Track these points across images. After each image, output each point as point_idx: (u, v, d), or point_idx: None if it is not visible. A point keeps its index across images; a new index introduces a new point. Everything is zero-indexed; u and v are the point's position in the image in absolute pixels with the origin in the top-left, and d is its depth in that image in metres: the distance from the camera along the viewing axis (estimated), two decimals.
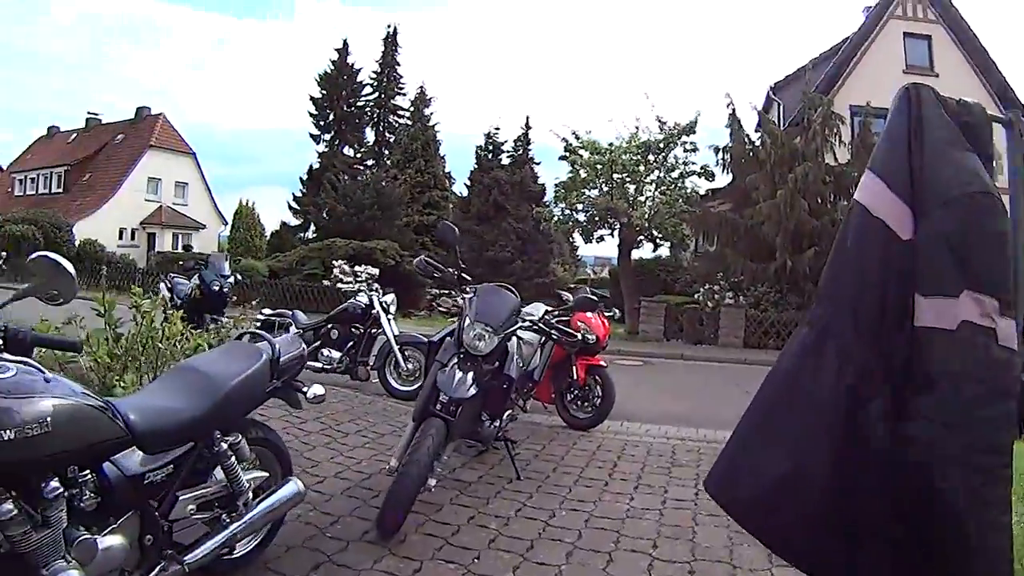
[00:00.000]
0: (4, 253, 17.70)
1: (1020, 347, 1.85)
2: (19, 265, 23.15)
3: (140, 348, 4.45)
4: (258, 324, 8.56)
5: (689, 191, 21.10)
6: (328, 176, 35.61)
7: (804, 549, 2.04)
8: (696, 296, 20.45)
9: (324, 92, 40.65)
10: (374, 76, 41.99)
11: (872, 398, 1.89)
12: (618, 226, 20.86)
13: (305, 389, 3.38)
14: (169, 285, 10.62)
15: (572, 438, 6.35)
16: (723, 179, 21.51)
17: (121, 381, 3.83)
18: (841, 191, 19.00)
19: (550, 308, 6.01)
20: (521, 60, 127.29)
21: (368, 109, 42.31)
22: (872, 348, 1.90)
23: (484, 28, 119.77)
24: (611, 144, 20.58)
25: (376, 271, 22.58)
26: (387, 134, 42.14)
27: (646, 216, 20.32)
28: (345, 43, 41.37)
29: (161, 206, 39.37)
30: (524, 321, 4.87)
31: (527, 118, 37.98)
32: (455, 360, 4.26)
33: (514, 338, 4.70)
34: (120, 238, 36.69)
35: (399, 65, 42.43)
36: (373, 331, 8.07)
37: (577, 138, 20.92)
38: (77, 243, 31.07)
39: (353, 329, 8.11)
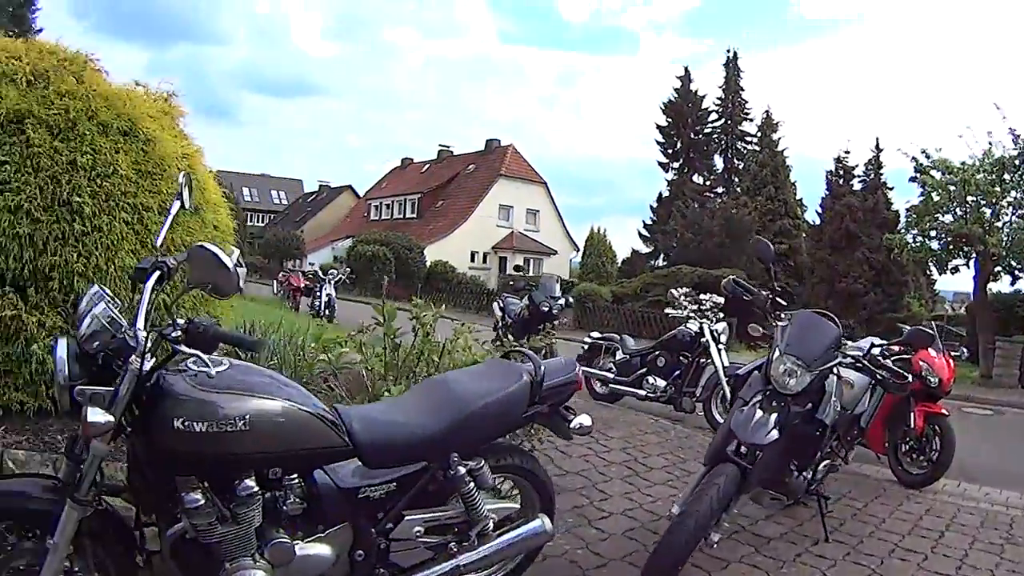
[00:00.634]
0: (348, 268, 20.81)
1: None
2: (367, 280, 26.39)
3: (416, 359, 4.34)
4: (585, 347, 8.70)
5: None
6: (677, 204, 35.50)
7: None
8: None
9: (669, 120, 40.83)
10: (718, 102, 41.33)
11: None
12: (973, 255, 17.82)
13: (571, 417, 2.98)
14: (501, 305, 11.06)
15: (899, 497, 5.34)
16: None
17: (390, 391, 3.73)
18: None
19: (881, 342, 5.00)
20: (865, 78, 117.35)
21: (715, 136, 41.70)
22: None
23: (822, 48, 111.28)
24: (963, 163, 17.73)
25: (721, 300, 21.45)
26: (735, 160, 41.09)
27: (1004, 243, 17.06)
28: (687, 70, 41.39)
29: (512, 232, 41.39)
30: (846, 357, 4.01)
31: (877, 140, 33.95)
32: (758, 398, 3.62)
33: (833, 376, 3.90)
34: (472, 261, 39.26)
35: (742, 90, 41.31)
36: (702, 361, 7.53)
37: (927, 157, 18.31)
38: (428, 263, 33.81)
39: (681, 357, 7.62)
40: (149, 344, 2.15)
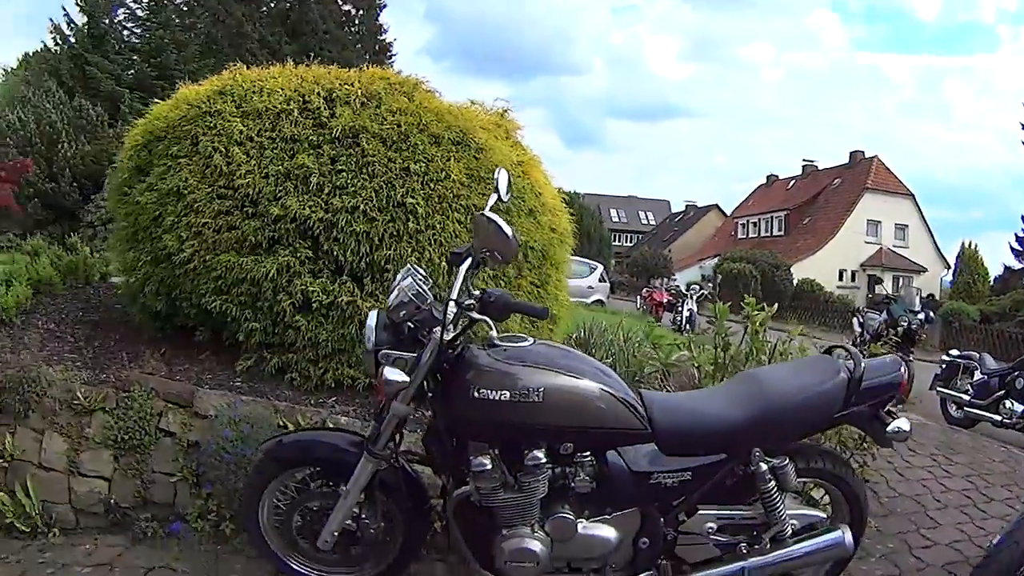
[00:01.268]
0: (711, 284, 20.55)
1: None
2: (731, 299, 25.61)
3: (745, 358, 4.22)
4: (943, 366, 8.14)
5: None
6: None
7: None
8: None
9: None
10: None
11: None
12: None
13: (888, 421, 2.65)
14: (861, 320, 11.00)
15: None
16: None
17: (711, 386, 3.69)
18: None
19: None
20: None
21: None
22: None
23: None
24: None
25: None
26: None
27: None
28: None
29: (881, 248, 38.61)
30: None
31: None
32: None
33: None
34: (840, 279, 37.13)
35: None
36: None
37: None
38: (795, 282, 32.56)
39: None
40: (451, 316, 2.34)
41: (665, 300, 20.16)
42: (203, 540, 3.17)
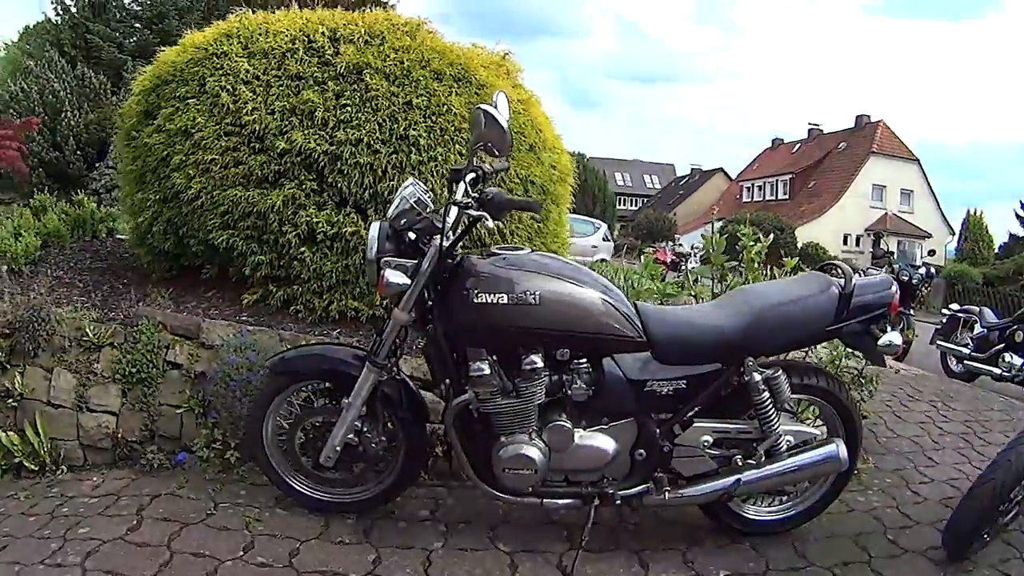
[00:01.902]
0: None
1: None
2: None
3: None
4: (943, 320, 8.15)
5: None
6: None
7: None
8: None
9: None
10: None
11: None
12: None
13: (879, 335, 2.70)
14: (862, 275, 10.74)
15: None
16: None
17: None
18: None
19: None
20: None
21: None
22: None
23: None
24: None
25: None
26: None
27: None
28: None
29: (886, 213, 38.46)
30: None
31: None
32: None
33: None
34: (844, 243, 36.96)
35: None
36: None
37: None
38: (799, 245, 32.22)
39: None
40: (452, 221, 2.39)
41: (669, 259, 20.22)
42: (208, 469, 3.22)
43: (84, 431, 3.40)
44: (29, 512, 2.83)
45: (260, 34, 3.74)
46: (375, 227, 2.50)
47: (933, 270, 10.99)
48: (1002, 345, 6.89)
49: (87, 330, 3.50)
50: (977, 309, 7.83)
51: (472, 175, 2.48)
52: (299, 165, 3.53)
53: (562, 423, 2.49)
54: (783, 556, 2.77)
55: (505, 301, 2.36)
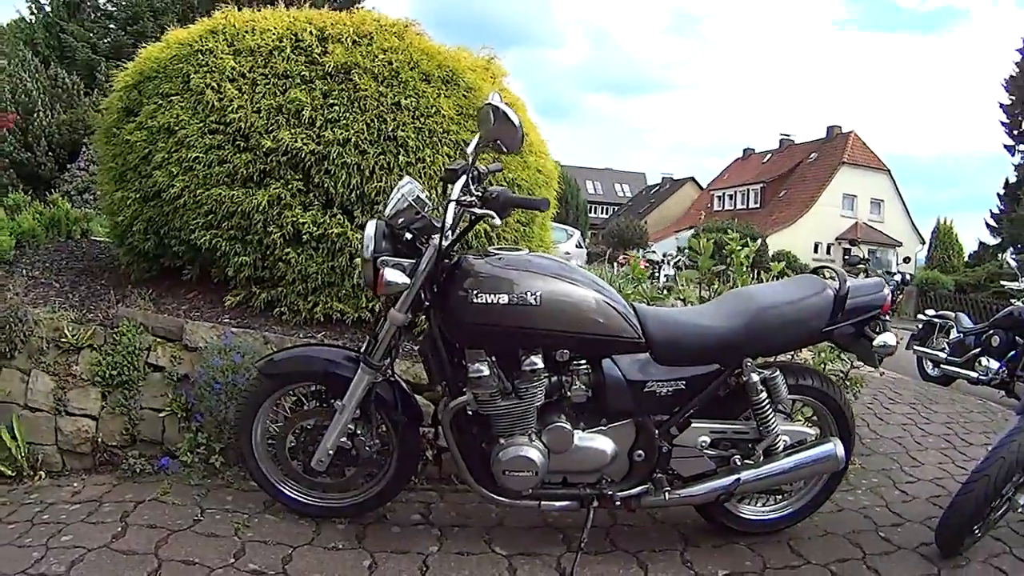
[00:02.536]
0: (684, 251, 20.69)
1: None
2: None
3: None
4: (919, 326, 8.27)
5: None
6: None
7: None
8: None
9: (1013, 98, 34.50)
10: None
11: None
12: None
13: (874, 336, 2.72)
14: None
15: None
16: None
17: None
18: None
19: None
20: None
21: None
22: None
23: None
24: None
25: None
26: None
27: None
28: None
29: (857, 222, 38.99)
30: None
31: None
32: None
33: None
34: (815, 251, 37.37)
35: None
36: None
37: None
38: (771, 253, 32.62)
39: (1018, 338, 6.72)
40: (451, 220, 2.36)
41: (643, 266, 20.29)
42: (192, 474, 3.14)
43: (63, 435, 3.30)
44: (7, 520, 2.73)
45: (246, 31, 3.68)
46: (371, 225, 2.45)
47: (908, 277, 11.16)
48: (978, 349, 6.98)
49: (66, 331, 3.41)
50: (953, 315, 7.94)
51: (465, 177, 2.44)
52: (285, 164, 3.48)
53: (562, 424, 2.46)
54: (780, 555, 2.77)
55: (505, 301, 2.33)
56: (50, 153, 11.96)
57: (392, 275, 2.32)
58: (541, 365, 2.40)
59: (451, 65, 3.78)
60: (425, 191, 2.55)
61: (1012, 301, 7.64)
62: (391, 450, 2.77)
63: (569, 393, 2.48)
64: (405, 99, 3.56)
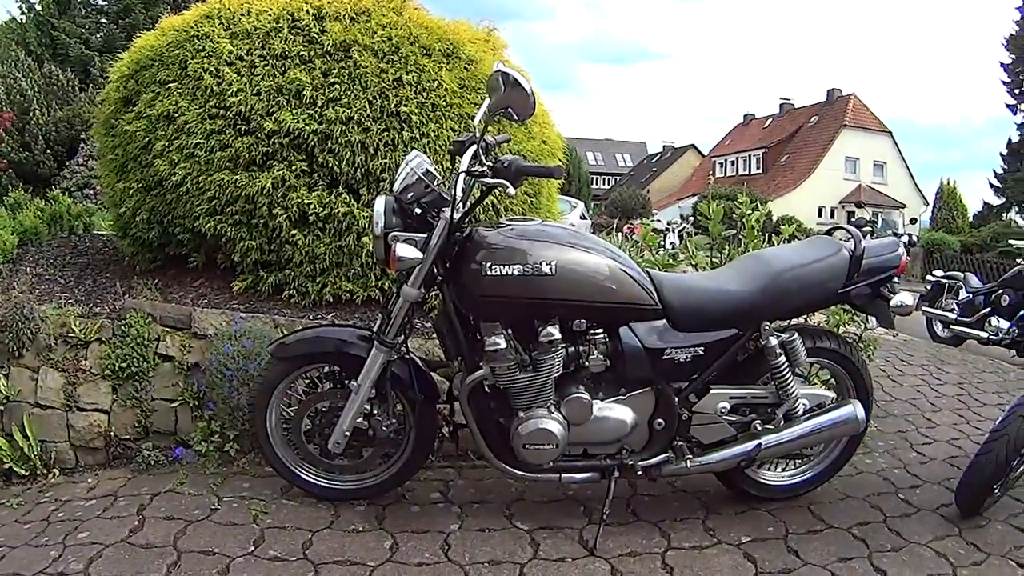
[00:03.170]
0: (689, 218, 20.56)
1: None
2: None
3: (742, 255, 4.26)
4: (928, 287, 8.22)
5: None
6: None
7: None
8: None
9: (1014, 56, 34.17)
10: None
11: None
12: None
13: (890, 296, 2.70)
14: None
15: None
16: None
17: None
18: None
19: None
20: None
21: None
22: None
23: None
24: None
25: None
26: None
27: None
28: None
29: (860, 185, 38.82)
30: None
31: None
32: None
33: None
34: (819, 216, 36.95)
35: None
36: None
37: None
38: (774, 219, 32.49)
39: None
40: (462, 192, 2.32)
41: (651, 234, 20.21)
42: (207, 463, 3.12)
43: (75, 431, 3.28)
44: (23, 519, 2.71)
45: (242, 14, 3.62)
46: (380, 201, 2.41)
47: (915, 238, 11.07)
48: (988, 309, 6.94)
49: (73, 326, 3.37)
50: (962, 275, 7.88)
51: (474, 148, 2.40)
52: (288, 146, 3.43)
53: (580, 395, 2.43)
54: (801, 519, 2.75)
55: (520, 272, 2.29)
56: (48, 151, 11.94)
57: (404, 250, 2.28)
58: (558, 336, 2.36)
59: (451, 38, 3.72)
60: (433, 165, 2.50)
61: (1020, 260, 7.58)
62: (408, 429, 2.74)
63: (587, 363, 2.45)
64: (406, 74, 3.50)
